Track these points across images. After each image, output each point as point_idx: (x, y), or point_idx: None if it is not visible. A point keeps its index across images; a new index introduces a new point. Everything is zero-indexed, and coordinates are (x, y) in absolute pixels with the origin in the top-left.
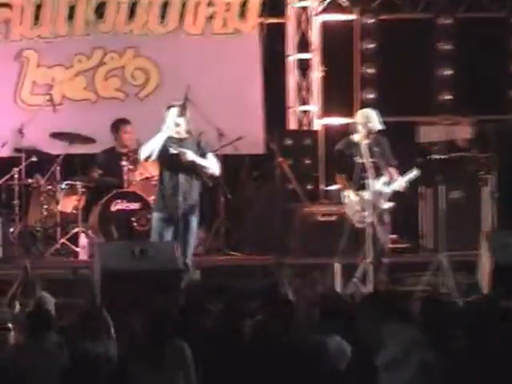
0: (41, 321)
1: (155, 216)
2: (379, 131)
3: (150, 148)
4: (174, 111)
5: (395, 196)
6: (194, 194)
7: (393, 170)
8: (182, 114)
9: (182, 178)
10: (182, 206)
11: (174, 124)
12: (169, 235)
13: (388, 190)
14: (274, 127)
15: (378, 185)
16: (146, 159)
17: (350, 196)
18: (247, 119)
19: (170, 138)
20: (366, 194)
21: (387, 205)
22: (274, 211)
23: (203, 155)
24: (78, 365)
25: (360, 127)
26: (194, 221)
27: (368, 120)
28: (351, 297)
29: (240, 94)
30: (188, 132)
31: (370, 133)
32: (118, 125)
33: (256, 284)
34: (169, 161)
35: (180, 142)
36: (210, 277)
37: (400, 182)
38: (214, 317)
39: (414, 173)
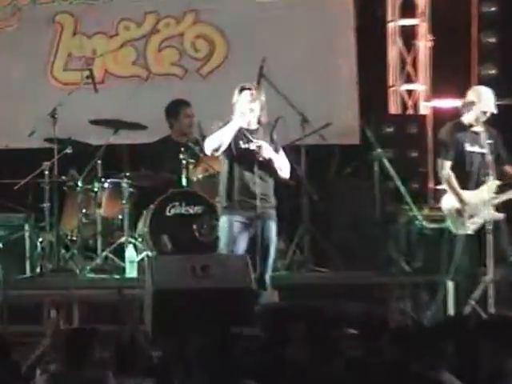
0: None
1: (225, 221)
2: (490, 121)
3: (220, 139)
4: (248, 95)
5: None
6: (271, 195)
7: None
8: (256, 97)
9: (256, 175)
10: (259, 209)
11: (249, 110)
12: (242, 246)
13: (501, 198)
14: (371, 111)
15: (492, 185)
16: (214, 152)
17: (450, 196)
18: (337, 101)
19: (239, 129)
20: (475, 195)
21: (497, 214)
22: (372, 216)
23: (275, 152)
24: None
25: (470, 107)
26: (273, 228)
27: (479, 99)
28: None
29: (328, 69)
30: (259, 122)
31: (480, 116)
32: (176, 108)
33: (349, 307)
34: (239, 156)
35: (250, 133)
36: (291, 298)
37: None
38: (296, 347)
39: None
